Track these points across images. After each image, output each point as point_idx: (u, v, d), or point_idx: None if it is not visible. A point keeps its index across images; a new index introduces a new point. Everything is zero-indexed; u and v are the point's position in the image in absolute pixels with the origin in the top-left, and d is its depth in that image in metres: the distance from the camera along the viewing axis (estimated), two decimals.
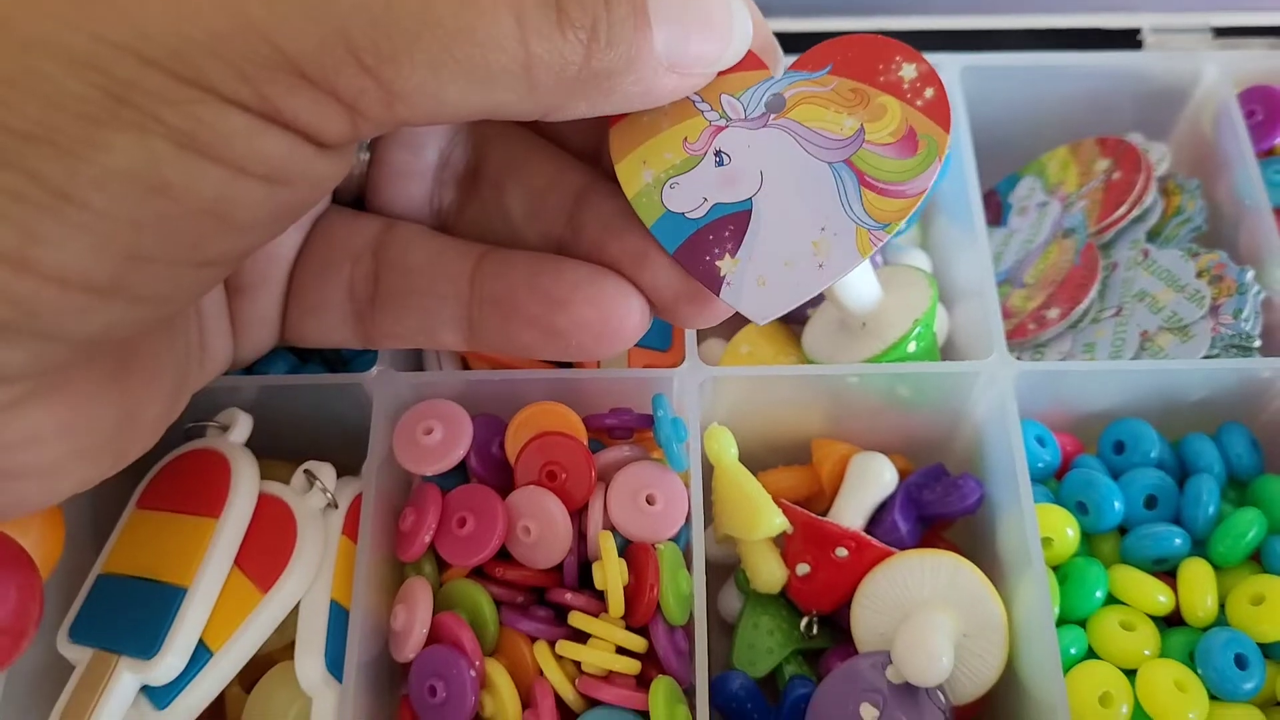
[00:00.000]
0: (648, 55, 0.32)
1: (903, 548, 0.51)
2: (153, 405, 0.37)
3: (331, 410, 0.53)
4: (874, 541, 0.51)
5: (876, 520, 0.54)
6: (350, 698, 0.46)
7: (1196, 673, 0.49)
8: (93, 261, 0.28)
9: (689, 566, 0.49)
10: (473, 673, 0.46)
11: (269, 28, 0.27)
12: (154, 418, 0.37)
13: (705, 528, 0.53)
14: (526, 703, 0.46)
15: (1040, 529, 0.50)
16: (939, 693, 0.47)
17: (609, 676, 0.47)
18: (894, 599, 0.49)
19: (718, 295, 0.37)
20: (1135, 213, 0.62)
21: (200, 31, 0.27)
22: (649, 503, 0.49)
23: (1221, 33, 0.71)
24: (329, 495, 0.49)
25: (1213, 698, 0.49)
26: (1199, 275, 0.59)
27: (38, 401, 0.31)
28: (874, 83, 0.37)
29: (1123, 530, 0.55)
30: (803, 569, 0.51)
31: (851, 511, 0.53)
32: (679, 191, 0.37)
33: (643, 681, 0.47)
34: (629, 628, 0.48)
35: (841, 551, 0.50)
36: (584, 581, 0.49)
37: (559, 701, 0.46)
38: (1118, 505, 0.53)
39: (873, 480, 0.53)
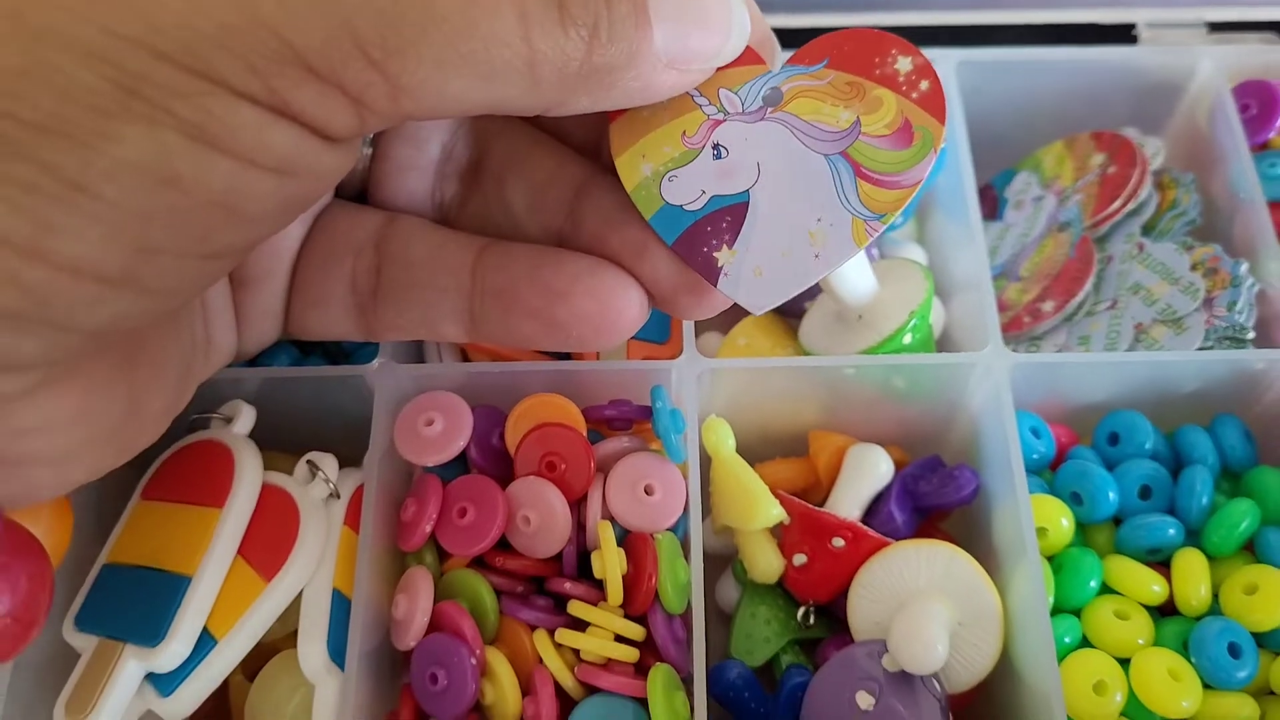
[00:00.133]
0: (648, 52, 0.33)
1: (899, 538, 0.51)
2: (159, 396, 0.37)
3: (333, 402, 0.54)
4: (870, 532, 0.51)
5: (873, 511, 0.54)
6: (352, 685, 0.46)
7: (1190, 661, 0.50)
8: (104, 252, 0.28)
9: (687, 556, 0.50)
10: (473, 661, 0.46)
11: (277, 21, 0.28)
12: (161, 408, 0.38)
13: (703, 519, 0.53)
14: (526, 690, 0.47)
15: (1035, 519, 0.51)
16: (934, 681, 0.47)
17: (608, 664, 0.47)
18: (890, 588, 0.50)
19: (715, 286, 0.37)
20: (1130, 206, 0.63)
21: (209, 24, 0.27)
22: (647, 493, 0.49)
23: (1216, 27, 0.71)
24: (331, 486, 0.49)
25: (1206, 686, 0.49)
26: (1193, 268, 0.59)
27: (49, 391, 0.31)
28: (870, 76, 0.37)
29: (1117, 521, 0.55)
30: (800, 559, 0.51)
31: (848, 503, 0.54)
32: (677, 184, 0.37)
33: (641, 669, 0.47)
34: (628, 616, 0.48)
35: (838, 542, 0.51)
36: (583, 571, 0.50)
37: (558, 689, 0.47)
38: (1112, 496, 0.54)
39: (869, 471, 0.54)
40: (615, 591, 0.47)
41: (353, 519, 0.50)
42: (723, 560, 0.57)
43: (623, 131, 0.38)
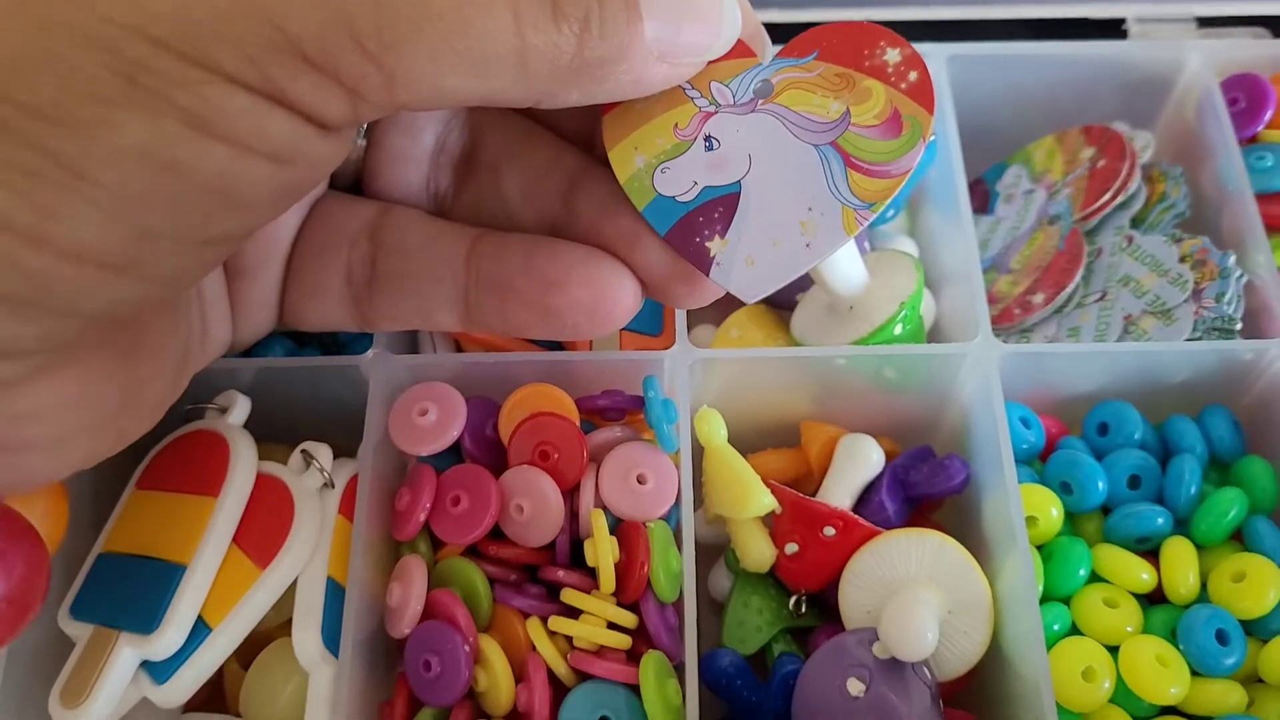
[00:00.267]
0: (639, 46, 0.33)
1: (890, 528, 0.52)
2: (156, 384, 0.37)
3: (328, 392, 0.54)
4: (861, 521, 0.51)
5: (864, 501, 0.54)
6: (346, 673, 0.46)
7: (1178, 649, 0.50)
8: (105, 237, 0.29)
9: (679, 546, 0.50)
10: (467, 648, 0.46)
11: (274, 11, 0.28)
12: (157, 396, 0.38)
13: (695, 509, 0.53)
14: (519, 677, 0.47)
15: (1025, 508, 0.51)
16: (925, 668, 0.47)
17: (600, 651, 0.48)
18: (881, 577, 0.50)
19: (708, 275, 0.37)
20: (1120, 200, 0.63)
21: (207, 13, 0.28)
22: (640, 482, 0.50)
23: (1205, 22, 0.71)
24: (326, 475, 0.50)
25: (1194, 673, 0.49)
26: (1182, 260, 0.59)
27: (47, 376, 0.32)
28: (859, 67, 0.38)
29: (1106, 510, 0.56)
30: (791, 548, 0.52)
31: (839, 493, 0.54)
32: (670, 176, 0.38)
33: (633, 657, 0.48)
34: (620, 604, 0.48)
35: (829, 530, 0.51)
36: (576, 560, 0.50)
37: (551, 676, 0.47)
38: (1101, 485, 0.54)
39: (861, 461, 0.54)
40: (608, 579, 0.48)
41: (347, 508, 0.50)
42: (715, 551, 0.57)
43: (616, 124, 0.38)
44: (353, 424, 0.52)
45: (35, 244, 0.28)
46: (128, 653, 0.44)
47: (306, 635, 0.47)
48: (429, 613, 0.48)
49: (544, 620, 0.48)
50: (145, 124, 0.28)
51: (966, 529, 0.54)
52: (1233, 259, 0.59)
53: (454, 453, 0.52)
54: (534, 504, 0.49)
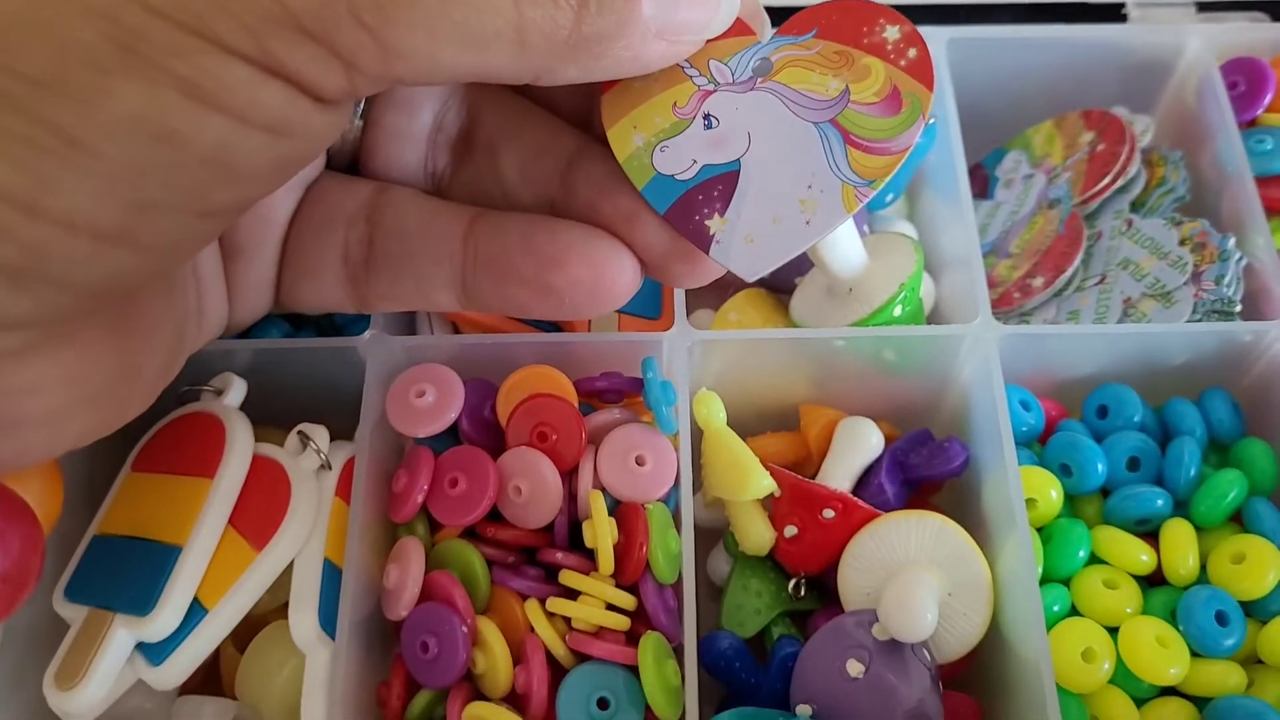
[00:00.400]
0: (637, 22, 0.33)
1: (889, 511, 0.52)
2: (152, 362, 0.37)
3: (325, 374, 0.54)
4: (860, 503, 0.51)
5: (863, 484, 0.54)
6: (343, 655, 0.46)
7: (1178, 630, 0.50)
8: (101, 208, 0.28)
9: (678, 528, 0.50)
10: (464, 629, 0.46)
11: None
12: (153, 375, 0.38)
13: (694, 492, 0.53)
14: (518, 659, 0.47)
15: (1024, 490, 0.51)
16: (924, 649, 0.47)
17: (599, 632, 0.47)
18: (880, 559, 0.50)
19: (707, 253, 0.37)
20: (1119, 183, 0.63)
21: None
22: (639, 464, 0.49)
23: (1204, 6, 0.71)
24: (322, 457, 0.49)
25: (1194, 654, 0.50)
26: (1182, 243, 0.59)
27: (43, 351, 0.32)
28: (858, 45, 0.38)
29: (1106, 492, 0.56)
30: (790, 531, 0.52)
31: (839, 476, 0.54)
32: (669, 154, 0.37)
33: (632, 638, 0.48)
34: (619, 586, 0.48)
35: (828, 513, 0.51)
36: (574, 542, 0.50)
37: (550, 657, 0.47)
38: (1101, 467, 0.54)
39: (860, 444, 0.54)
40: (606, 561, 0.48)
41: (344, 490, 0.50)
42: (714, 534, 0.57)
43: (614, 103, 0.38)
44: (350, 406, 0.52)
45: (31, 213, 0.27)
46: (123, 634, 0.44)
47: (303, 617, 0.46)
48: (426, 594, 0.48)
49: (542, 602, 0.48)
50: (142, 93, 0.27)
51: (966, 511, 0.54)
52: (1232, 241, 0.58)
53: (452, 434, 0.52)
54: (532, 485, 0.49)
